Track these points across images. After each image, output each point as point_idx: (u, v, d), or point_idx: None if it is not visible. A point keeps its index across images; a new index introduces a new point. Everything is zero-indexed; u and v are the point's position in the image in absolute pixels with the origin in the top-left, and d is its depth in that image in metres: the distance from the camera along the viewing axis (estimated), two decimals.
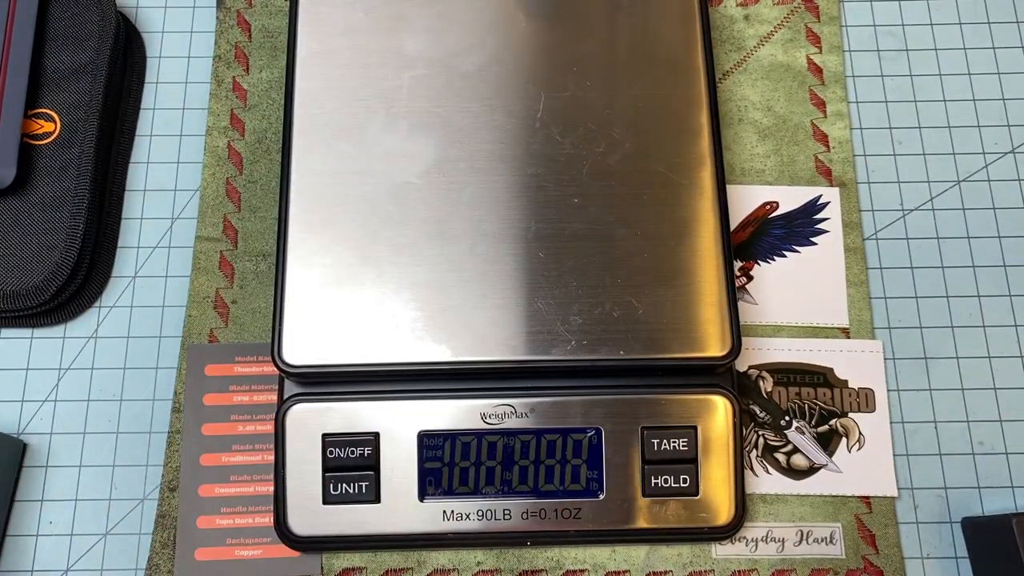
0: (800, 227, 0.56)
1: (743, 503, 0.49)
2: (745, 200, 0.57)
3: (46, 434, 0.53)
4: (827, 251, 0.56)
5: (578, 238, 0.49)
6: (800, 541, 0.51)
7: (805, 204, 0.57)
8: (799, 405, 0.53)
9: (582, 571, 0.50)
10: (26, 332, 0.55)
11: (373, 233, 0.48)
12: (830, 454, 0.52)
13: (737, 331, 0.48)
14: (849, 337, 0.54)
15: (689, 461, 0.48)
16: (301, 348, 0.47)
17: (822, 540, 0.51)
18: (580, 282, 0.48)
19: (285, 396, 0.49)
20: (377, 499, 0.48)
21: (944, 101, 0.60)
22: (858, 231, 0.56)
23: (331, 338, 0.47)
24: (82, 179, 0.54)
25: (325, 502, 0.48)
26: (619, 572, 0.50)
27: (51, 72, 0.56)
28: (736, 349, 0.48)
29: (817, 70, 0.60)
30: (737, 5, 0.61)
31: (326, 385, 0.49)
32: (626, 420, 0.49)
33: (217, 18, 0.60)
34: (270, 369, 0.53)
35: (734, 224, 0.56)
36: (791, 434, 0.52)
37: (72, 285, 0.53)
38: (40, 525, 0.51)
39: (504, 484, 0.48)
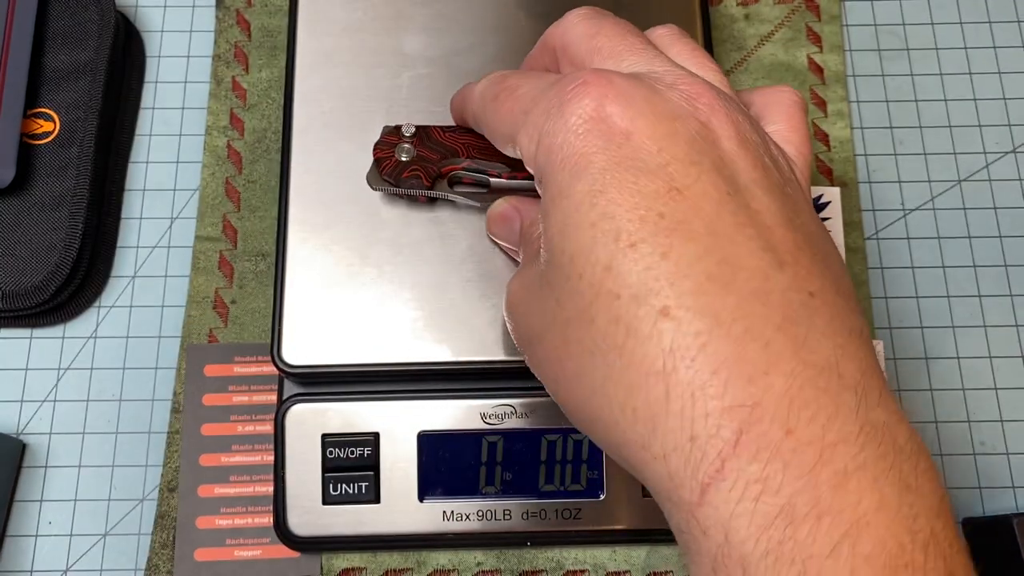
0: None
1: None
2: None
3: (45, 434, 0.53)
4: None
5: None
6: None
7: None
8: None
9: (582, 571, 0.50)
10: (25, 332, 0.55)
11: (373, 233, 0.48)
12: None
13: None
14: None
15: None
16: (301, 348, 0.47)
17: None
18: None
19: (285, 396, 0.49)
20: (377, 499, 0.48)
21: (945, 100, 0.60)
22: (859, 231, 0.56)
23: (331, 338, 0.47)
24: (81, 179, 0.54)
25: (325, 502, 0.48)
26: (620, 572, 0.50)
27: (50, 71, 0.56)
28: None
29: (818, 69, 0.60)
30: (737, 4, 0.61)
31: (326, 385, 0.49)
32: None
33: (217, 17, 0.60)
34: (270, 369, 0.53)
35: None
36: None
37: (71, 285, 0.53)
38: (39, 525, 0.51)
39: (504, 484, 0.48)
